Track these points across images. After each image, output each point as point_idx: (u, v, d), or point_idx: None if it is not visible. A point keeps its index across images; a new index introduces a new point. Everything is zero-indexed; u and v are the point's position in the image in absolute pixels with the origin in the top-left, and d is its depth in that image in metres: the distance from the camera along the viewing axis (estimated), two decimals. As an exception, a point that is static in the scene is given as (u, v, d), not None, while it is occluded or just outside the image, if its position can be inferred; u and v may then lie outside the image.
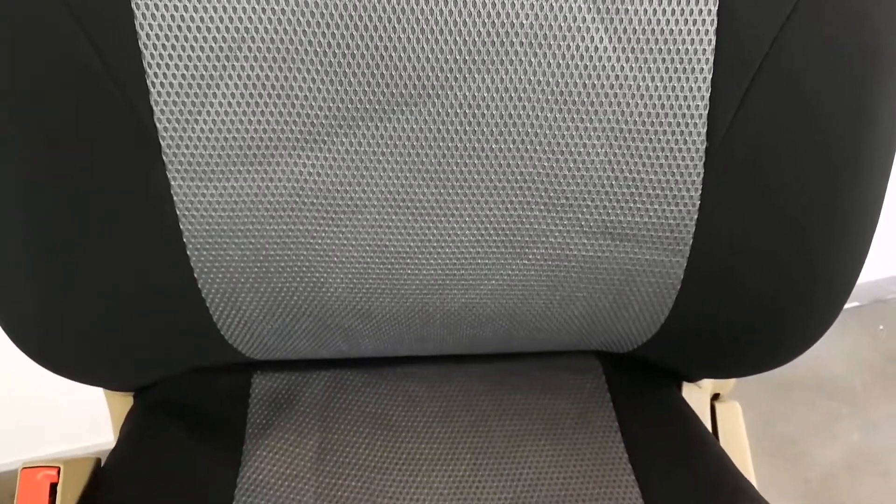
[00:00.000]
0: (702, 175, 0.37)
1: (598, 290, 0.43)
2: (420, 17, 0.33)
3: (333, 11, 0.33)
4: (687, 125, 0.36)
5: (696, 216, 0.38)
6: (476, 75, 0.35)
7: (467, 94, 0.35)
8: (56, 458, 0.45)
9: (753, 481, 0.49)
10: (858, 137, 0.37)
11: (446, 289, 0.42)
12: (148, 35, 0.33)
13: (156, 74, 0.33)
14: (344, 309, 0.43)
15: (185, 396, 0.51)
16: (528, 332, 0.47)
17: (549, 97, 0.35)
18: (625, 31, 0.34)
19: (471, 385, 0.52)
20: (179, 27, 0.33)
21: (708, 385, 0.55)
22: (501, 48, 0.34)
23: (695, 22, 0.34)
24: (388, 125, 0.36)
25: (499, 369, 0.54)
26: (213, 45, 0.33)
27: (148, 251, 0.39)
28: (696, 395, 0.54)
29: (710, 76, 0.35)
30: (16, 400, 0.91)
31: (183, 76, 0.34)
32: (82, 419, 0.89)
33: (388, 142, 0.36)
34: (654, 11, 0.34)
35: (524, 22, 0.34)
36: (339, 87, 0.34)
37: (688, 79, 0.35)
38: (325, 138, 0.36)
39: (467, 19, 0.33)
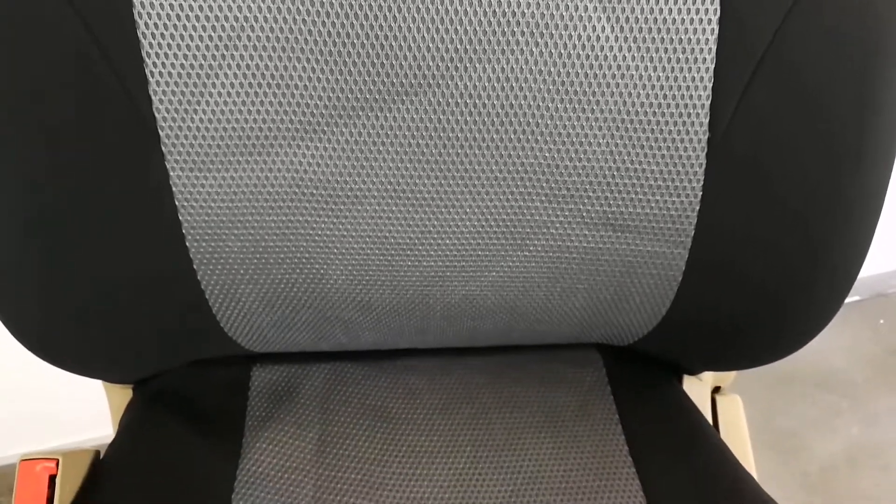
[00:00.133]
0: (704, 165, 0.37)
1: (599, 281, 0.43)
2: (421, 6, 0.33)
3: (334, 1, 0.33)
4: (689, 115, 0.36)
5: (698, 207, 0.38)
6: (477, 65, 0.34)
7: (468, 83, 0.35)
8: (55, 450, 0.45)
9: (754, 474, 0.49)
10: (861, 127, 0.37)
11: (446, 280, 0.42)
12: (146, 24, 0.32)
13: (154, 64, 0.33)
14: (344, 301, 0.43)
15: (185, 389, 0.51)
16: (528, 325, 0.47)
17: (551, 87, 0.35)
18: (627, 20, 0.34)
19: (471, 378, 0.52)
20: (178, 16, 0.32)
21: (709, 378, 0.55)
22: (503, 38, 0.34)
23: (697, 11, 0.34)
24: (388, 115, 0.35)
25: (499, 362, 0.53)
26: (213, 34, 0.33)
27: (147, 242, 0.38)
28: (697, 387, 0.54)
29: (713, 66, 0.35)
30: (15, 394, 0.91)
31: (182, 66, 0.33)
32: (82, 413, 0.89)
33: (389, 132, 0.36)
34: (657, 0, 0.33)
35: (526, 11, 0.33)
36: (339, 77, 0.34)
37: (690, 68, 0.35)
38: (325, 128, 0.36)
39: (468, 8, 0.33)
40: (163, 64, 0.33)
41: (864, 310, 1.28)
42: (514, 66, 0.34)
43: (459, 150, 0.37)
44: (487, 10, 0.33)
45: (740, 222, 0.39)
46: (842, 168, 0.38)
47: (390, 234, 0.39)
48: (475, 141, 0.36)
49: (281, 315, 0.44)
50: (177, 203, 0.37)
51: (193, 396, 0.51)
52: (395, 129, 0.36)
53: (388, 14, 0.33)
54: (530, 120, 0.36)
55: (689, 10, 0.34)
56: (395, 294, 0.43)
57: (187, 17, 0.32)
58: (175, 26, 0.33)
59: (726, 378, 0.57)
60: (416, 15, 0.33)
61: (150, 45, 0.33)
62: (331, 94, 0.35)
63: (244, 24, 0.33)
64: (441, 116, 0.36)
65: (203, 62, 0.33)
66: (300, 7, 0.33)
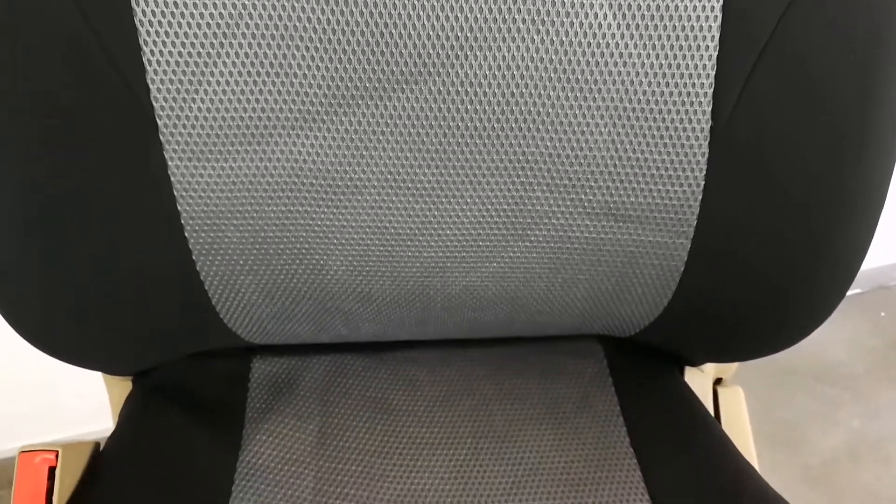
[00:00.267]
0: (706, 155, 0.37)
1: (600, 272, 0.43)
2: None
3: None
4: (692, 104, 0.35)
5: (700, 197, 0.38)
6: (478, 53, 0.34)
7: (469, 72, 0.34)
8: (55, 443, 0.45)
9: (756, 465, 0.49)
10: (864, 119, 0.36)
11: (447, 271, 0.42)
12: (144, 12, 0.32)
13: (152, 52, 0.33)
14: (344, 292, 0.43)
15: (185, 381, 0.51)
16: (529, 316, 0.47)
17: (552, 75, 0.35)
18: (629, 6, 0.33)
19: (472, 369, 0.52)
20: (176, 3, 0.32)
21: (710, 369, 0.55)
22: (503, 25, 0.33)
23: None
24: (388, 104, 0.35)
25: (500, 353, 0.53)
26: (211, 21, 0.33)
27: (146, 233, 0.38)
28: (699, 379, 0.54)
29: (716, 53, 0.34)
30: (14, 387, 0.91)
31: (180, 54, 0.33)
32: (82, 407, 0.89)
33: (388, 121, 0.36)
34: None
35: None
36: (338, 66, 0.34)
37: (693, 56, 0.34)
38: (325, 117, 0.35)
39: None
40: (160, 52, 0.33)
41: (865, 302, 1.28)
42: (516, 55, 0.34)
43: (460, 140, 0.36)
44: None
45: (742, 213, 0.39)
46: (844, 160, 0.37)
47: (390, 225, 0.39)
48: (476, 130, 0.36)
49: (281, 306, 0.44)
50: (175, 193, 0.37)
51: (193, 388, 0.51)
52: (395, 118, 0.36)
53: (388, 1, 0.33)
54: (531, 109, 0.36)
55: None
56: (395, 285, 0.43)
57: (185, 4, 0.32)
58: (173, 14, 0.32)
59: (728, 369, 0.57)
60: (416, 2, 0.33)
61: (148, 32, 0.32)
62: (330, 83, 0.34)
63: (242, 11, 0.33)
64: (441, 105, 0.35)
65: (201, 50, 0.33)
66: None
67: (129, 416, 0.50)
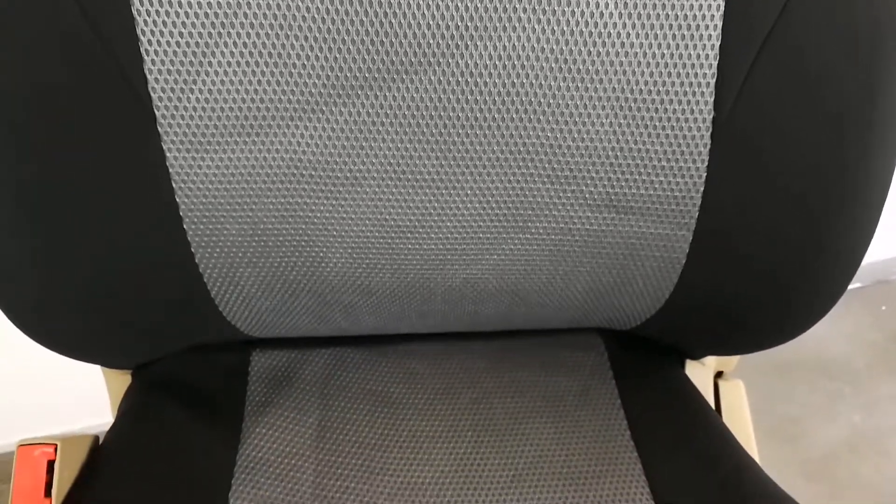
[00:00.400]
0: (708, 146, 0.37)
1: (601, 264, 0.42)
2: None
3: None
4: (694, 94, 0.35)
5: (702, 188, 0.38)
6: (478, 42, 0.34)
7: (469, 62, 0.34)
8: (54, 436, 0.45)
9: (757, 459, 0.49)
10: (866, 112, 0.36)
11: (447, 264, 0.42)
12: (141, 1, 0.32)
13: (150, 42, 0.33)
14: (344, 285, 0.43)
15: (184, 374, 0.51)
16: (530, 309, 0.47)
17: (553, 65, 0.34)
18: None
19: (472, 362, 0.52)
20: None
21: (711, 363, 0.55)
22: (504, 14, 0.33)
23: None
24: (387, 94, 0.35)
25: (500, 346, 0.53)
26: (209, 11, 0.32)
27: (145, 226, 0.38)
28: (700, 372, 0.54)
29: (719, 43, 0.34)
30: (13, 381, 0.91)
31: (178, 43, 0.33)
32: (81, 402, 0.88)
33: (388, 112, 0.35)
34: None
35: None
36: (337, 56, 0.34)
37: (695, 45, 0.34)
38: (324, 108, 0.35)
39: None
40: (158, 42, 0.33)
41: (866, 296, 1.28)
42: (517, 44, 0.34)
43: (460, 131, 0.36)
44: None
45: (744, 205, 0.39)
46: (847, 154, 0.37)
47: (390, 217, 0.39)
48: (476, 121, 0.36)
49: (280, 299, 0.44)
50: (174, 185, 0.36)
51: (193, 382, 0.50)
52: (394, 108, 0.35)
53: None
54: (532, 99, 0.35)
55: None
56: (395, 278, 0.43)
57: None
58: (171, 2, 0.32)
59: (729, 363, 0.56)
60: None
61: (146, 21, 0.32)
62: (329, 73, 0.34)
63: (241, 0, 0.32)
64: (442, 96, 0.35)
65: (199, 40, 0.33)
66: None
67: (129, 410, 0.50)
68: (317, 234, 0.40)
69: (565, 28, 0.34)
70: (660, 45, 0.34)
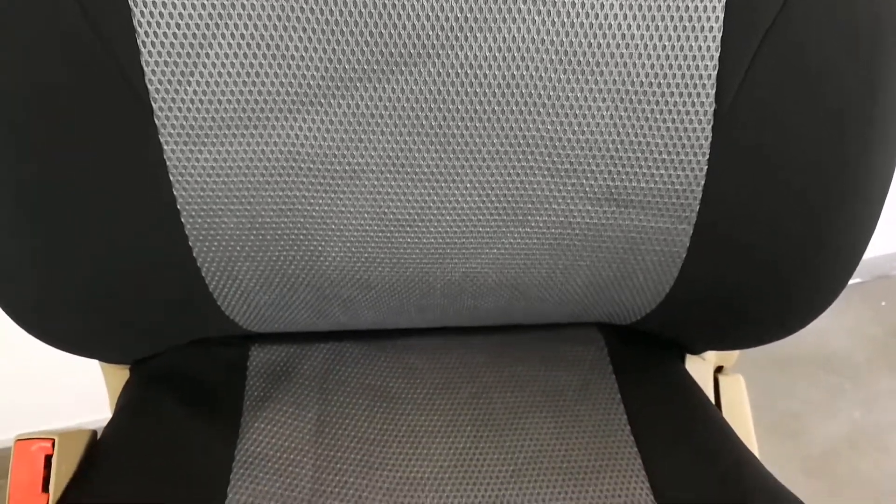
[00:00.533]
0: (709, 139, 0.36)
1: (601, 258, 0.42)
2: None
3: None
4: (695, 86, 0.35)
5: (703, 181, 0.38)
6: (478, 34, 0.33)
7: (468, 54, 0.34)
8: (52, 431, 0.44)
9: (757, 453, 0.48)
10: (867, 107, 0.36)
11: (447, 257, 0.41)
12: None
13: (146, 34, 0.32)
14: (342, 279, 0.43)
15: (183, 369, 0.51)
16: (529, 303, 0.46)
17: (554, 57, 0.34)
18: None
19: (472, 357, 0.52)
20: None
21: (711, 357, 0.55)
22: (504, 6, 0.33)
23: None
24: (386, 87, 0.35)
25: (500, 341, 0.53)
26: (206, 2, 0.32)
27: (142, 220, 0.38)
28: (700, 367, 0.54)
29: (720, 35, 0.34)
30: (11, 376, 0.91)
31: (175, 35, 0.33)
32: (78, 397, 0.88)
33: (387, 104, 0.35)
34: None
35: None
36: (335, 48, 0.33)
37: (696, 37, 0.34)
38: (322, 101, 0.35)
39: None
40: (154, 34, 0.32)
41: (866, 291, 1.28)
42: (516, 36, 0.34)
43: (460, 123, 0.36)
44: None
45: (745, 199, 0.38)
46: (848, 148, 0.37)
47: (389, 210, 0.39)
48: (476, 113, 0.36)
49: (279, 293, 0.44)
50: (171, 178, 0.36)
51: (191, 376, 0.50)
52: (393, 101, 0.35)
53: None
54: (532, 91, 0.35)
55: None
56: (394, 271, 0.42)
57: None
58: None
59: (729, 358, 0.56)
60: None
61: (142, 13, 0.32)
62: (327, 65, 0.34)
63: None
64: (441, 88, 0.35)
65: (196, 31, 0.33)
66: None
67: (127, 405, 0.50)
68: (315, 228, 0.39)
69: (565, 19, 0.33)
70: (661, 37, 0.34)
